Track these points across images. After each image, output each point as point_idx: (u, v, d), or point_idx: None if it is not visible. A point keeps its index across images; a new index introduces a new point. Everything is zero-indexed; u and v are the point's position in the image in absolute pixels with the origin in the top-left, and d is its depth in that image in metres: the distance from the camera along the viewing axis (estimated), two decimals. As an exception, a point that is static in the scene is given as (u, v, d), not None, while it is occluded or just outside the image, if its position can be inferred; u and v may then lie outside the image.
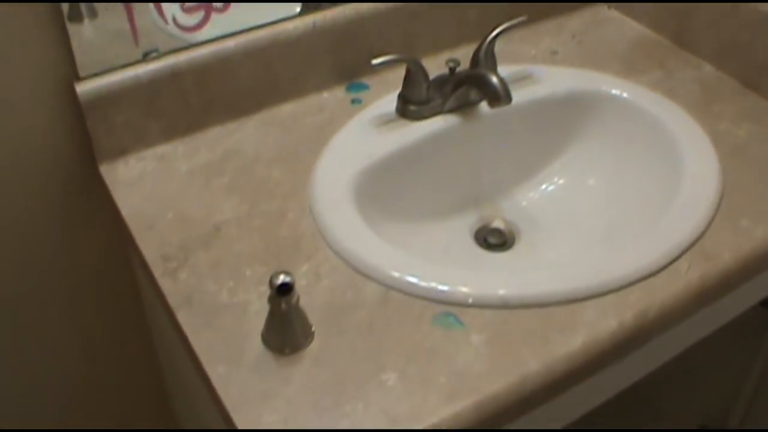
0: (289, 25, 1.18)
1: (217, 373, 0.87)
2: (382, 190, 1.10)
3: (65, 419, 1.41)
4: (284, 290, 0.85)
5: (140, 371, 1.43)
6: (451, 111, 1.18)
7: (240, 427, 0.82)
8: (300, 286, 0.94)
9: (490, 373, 0.86)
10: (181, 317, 0.93)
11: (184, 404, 1.32)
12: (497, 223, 1.19)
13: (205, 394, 0.91)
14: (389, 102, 1.18)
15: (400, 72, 1.17)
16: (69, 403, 1.40)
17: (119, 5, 1.06)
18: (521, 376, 0.87)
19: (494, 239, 1.17)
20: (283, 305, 0.86)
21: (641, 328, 0.94)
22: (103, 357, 1.37)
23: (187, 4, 1.11)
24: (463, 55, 1.23)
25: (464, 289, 0.93)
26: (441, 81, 1.16)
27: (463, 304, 0.93)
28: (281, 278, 0.84)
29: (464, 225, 1.18)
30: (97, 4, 1.04)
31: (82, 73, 1.08)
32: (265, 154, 1.15)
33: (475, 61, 1.18)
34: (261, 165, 1.13)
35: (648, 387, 1.70)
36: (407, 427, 0.82)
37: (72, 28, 1.04)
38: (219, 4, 1.13)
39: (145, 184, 1.10)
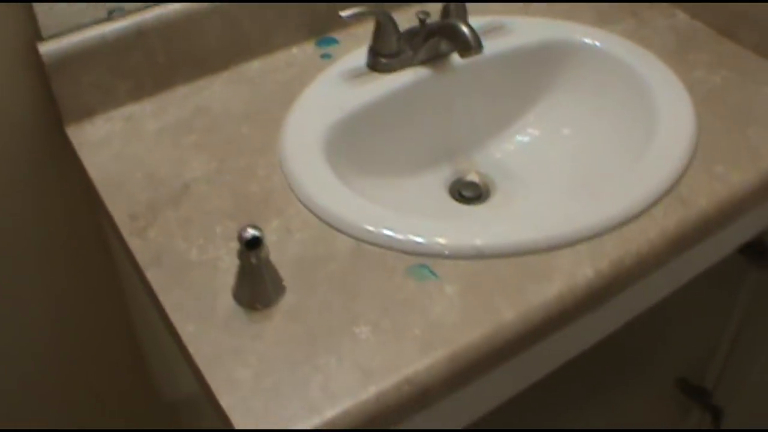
0: (257, -20, 1.16)
1: (187, 331, 0.86)
2: (354, 144, 1.08)
3: (36, 384, 1.40)
4: (253, 244, 0.83)
5: (114, 334, 1.42)
6: (422, 63, 1.16)
7: (211, 383, 0.81)
8: (271, 242, 0.92)
9: (464, 323, 0.85)
10: (151, 276, 0.91)
11: (160, 366, 1.30)
12: (472, 176, 1.17)
13: (178, 353, 0.89)
14: (359, 56, 1.17)
15: (370, 27, 1.16)
16: (40, 369, 1.38)
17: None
18: (496, 326, 0.85)
19: (469, 192, 1.15)
20: (253, 259, 0.84)
21: (618, 275, 0.93)
22: (77, 321, 1.36)
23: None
24: (434, 7, 1.20)
25: (437, 240, 0.92)
26: (411, 33, 1.15)
27: (436, 255, 0.91)
28: (250, 232, 0.83)
29: (438, 179, 1.17)
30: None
31: (44, 34, 1.06)
32: (234, 111, 1.13)
33: (445, 12, 1.16)
34: (230, 122, 1.11)
35: (626, 340, 1.70)
36: (381, 380, 0.80)
37: (33, -13, 1.02)
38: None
39: (113, 145, 1.08)
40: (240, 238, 0.83)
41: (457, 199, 1.15)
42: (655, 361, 1.69)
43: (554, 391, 1.67)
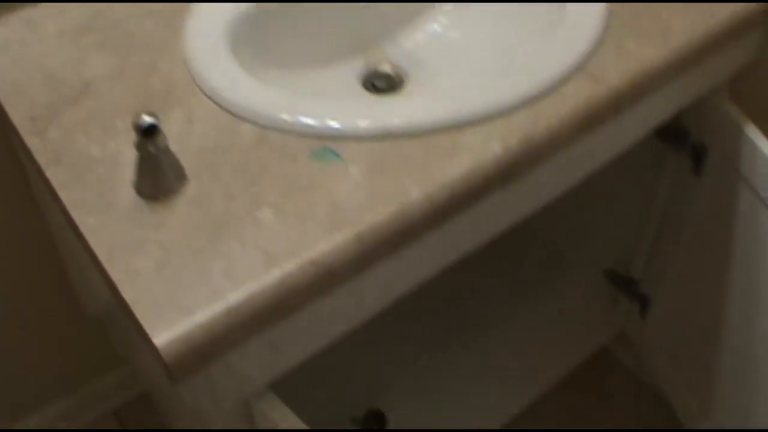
0: None
1: (88, 225, 0.84)
2: (260, 35, 1.05)
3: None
4: (150, 132, 0.81)
5: (35, 250, 1.39)
6: (327, -49, 1.13)
7: (113, 276, 0.79)
8: (174, 133, 0.90)
9: (370, 203, 0.84)
10: (51, 174, 0.89)
11: (80, 279, 1.28)
12: (384, 67, 1.15)
13: (83, 251, 0.87)
14: (264, -52, 1.13)
15: None
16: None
17: None
18: (402, 205, 0.84)
19: (381, 83, 1.13)
20: (151, 148, 0.82)
21: (527, 152, 0.92)
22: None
23: None
24: None
25: (342, 122, 0.90)
26: None
27: (341, 138, 0.90)
28: (146, 119, 0.81)
29: (350, 70, 1.14)
30: None
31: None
32: (136, 9, 1.09)
33: None
34: (132, 20, 1.08)
35: (553, 233, 1.70)
36: (285, 262, 0.79)
37: None
38: None
39: (11, 50, 1.05)
40: (136, 126, 0.81)
41: (369, 90, 1.12)
42: (583, 254, 1.70)
43: (484, 286, 1.68)
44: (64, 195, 0.87)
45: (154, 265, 0.79)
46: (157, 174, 0.84)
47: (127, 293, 0.77)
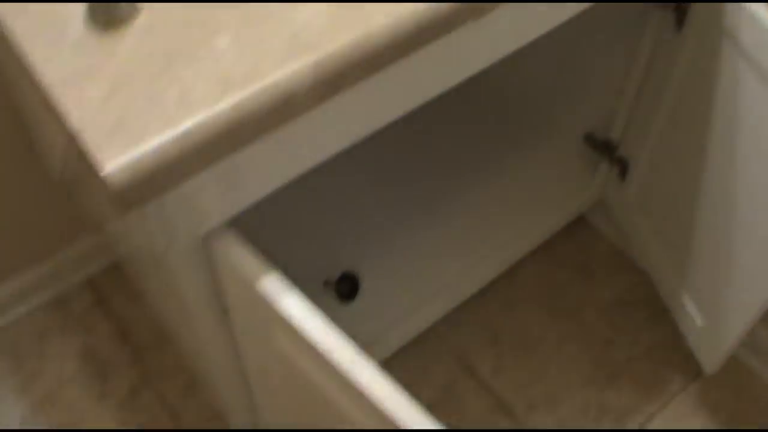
0: None
1: (37, 57, 0.80)
2: None
3: None
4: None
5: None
6: None
7: (60, 105, 0.75)
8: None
9: (332, 30, 0.80)
10: (-1, 7, 0.84)
11: (40, 135, 1.25)
12: None
13: (35, 94, 0.83)
14: None
15: None
16: None
17: None
18: (365, 32, 0.80)
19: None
20: (100, -29, 0.78)
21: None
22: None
23: None
24: None
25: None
26: None
27: (303, -36, 0.85)
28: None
29: None
30: None
31: None
32: None
33: None
34: None
35: (533, 97, 1.67)
36: (240, 89, 0.75)
37: None
38: None
39: None
40: (85, -50, 0.76)
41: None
42: (563, 117, 1.66)
43: (461, 150, 1.65)
44: (12, 26, 0.82)
45: (104, 93, 0.76)
46: (109, 1, 0.80)
47: (75, 122, 0.74)
